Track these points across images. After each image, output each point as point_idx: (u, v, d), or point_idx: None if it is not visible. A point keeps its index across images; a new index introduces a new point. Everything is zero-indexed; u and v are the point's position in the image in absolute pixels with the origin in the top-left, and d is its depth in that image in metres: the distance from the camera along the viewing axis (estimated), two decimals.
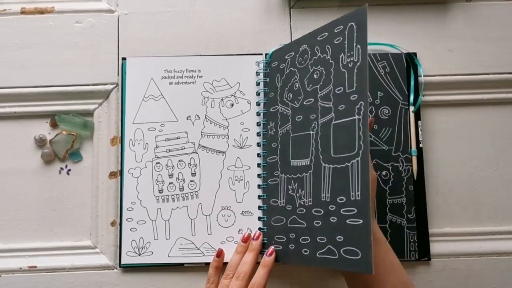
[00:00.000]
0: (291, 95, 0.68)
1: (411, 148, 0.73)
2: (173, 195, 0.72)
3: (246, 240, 0.69)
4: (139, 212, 0.72)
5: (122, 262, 0.71)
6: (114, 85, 0.76)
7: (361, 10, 0.59)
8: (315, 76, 0.65)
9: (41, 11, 0.77)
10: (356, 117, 0.58)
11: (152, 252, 0.71)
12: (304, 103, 0.66)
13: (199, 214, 0.72)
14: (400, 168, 0.73)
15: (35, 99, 0.75)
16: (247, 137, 0.74)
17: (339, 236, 0.58)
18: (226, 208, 0.72)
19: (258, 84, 0.75)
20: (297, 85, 0.68)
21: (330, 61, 0.63)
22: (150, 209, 0.72)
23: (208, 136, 0.74)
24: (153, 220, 0.72)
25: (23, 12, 0.77)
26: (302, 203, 0.64)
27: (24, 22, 0.77)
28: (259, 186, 0.72)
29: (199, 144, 0.73)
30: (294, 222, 0.65)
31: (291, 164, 0.67)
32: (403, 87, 0.74)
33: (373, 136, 0.73)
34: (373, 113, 0.74)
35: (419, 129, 0.74)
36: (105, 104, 0.76)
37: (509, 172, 0.76)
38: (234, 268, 0.66)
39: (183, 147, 0.73)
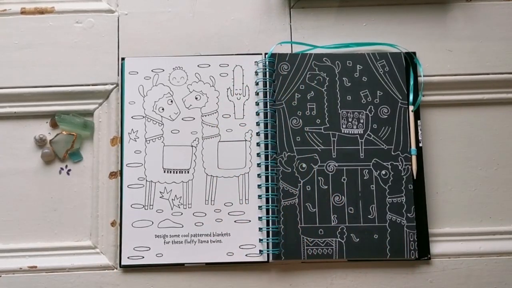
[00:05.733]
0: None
1: (410, 147, 0.73)
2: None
3: None
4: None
5: (123, 263, 0.71)
6: (114, 85, 0.76)
7: None
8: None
9: (41, 11, 0.77)
10: None
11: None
12: None
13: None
14: (400, 167, 0.73)
15: (35, 99, 0.75)
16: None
17: None
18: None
19: (257, 83, 0.75)
20: None
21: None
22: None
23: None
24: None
25: (23, 12, 0.77)
26: None
27: (24, 22, 0.77)
28: (259, 186, 0.73)
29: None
30: None
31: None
32: (402, 86, 0.75)
33: (372, 135, 0.73)
34: (373, 112, 0.74)
35: (419, 128, 0.74)
36: (105, 104, 0.76)
37: (509, 172, 0.76)
38: None
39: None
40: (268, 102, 0.74)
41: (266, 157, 0.73)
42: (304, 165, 0.73)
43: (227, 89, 0.75)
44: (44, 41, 0.76)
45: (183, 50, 0.77)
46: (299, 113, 0.74)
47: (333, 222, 0.72)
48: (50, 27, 0.77)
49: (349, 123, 0.74)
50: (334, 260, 0.71)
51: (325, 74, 0.75)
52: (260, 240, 0.71)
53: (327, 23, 0.78)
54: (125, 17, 0.78)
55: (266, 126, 0.74)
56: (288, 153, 0.73)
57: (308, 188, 0.72)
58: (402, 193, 0.72)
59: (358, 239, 0.71)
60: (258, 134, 0.74)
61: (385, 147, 0.73)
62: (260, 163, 0.73)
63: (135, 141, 0.74)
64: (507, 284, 0.72)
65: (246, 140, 0.74)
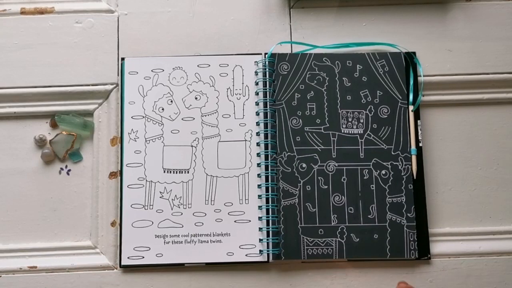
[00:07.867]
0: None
1: (410, 147, 0.73)
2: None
3: None
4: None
5: (123, 263, 0.71)
6: (114, 85, 0.76)
7: None
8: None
9: (41, 11, 0.77)
10: None
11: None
12: None
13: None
14: (400, 167, 0.73)
15: (35, 99, 0.75)
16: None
17: None
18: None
19: (257, 83, 0.75)
20: None
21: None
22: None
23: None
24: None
25: (23, 12, 0.77)
26: None
27: (24, 22, 0.77)
28: (259, 186, 0.73)
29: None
30: None
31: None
32: (402, 86, 0.75)
33: (372, 135, 0.73)
34: (373, 112, 0.74)
35: (419, 128, 0.74)
36: (105, 104, 0.76)
37: (509, 172, 0.76)
38: None
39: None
40: (268, 102, 0.74)
41: (266, 157, 0.73)
42: (304, 165, 0.73)
43: (227, 89, 0.75)
44: (44, 41, 0.76)
45: (183, 50, 0.77)
46: (299, 113, 0.74)
47: (333, 222, 0.72)
48: (50, 27, 0.77)
49: (349, 123, 0.74)
50: (334, 260, 0.71)
51: (325, 74, 0.75)
52: (260, 240, 0.71)
53: (327, 23, 0.78)
54: (125, 17, 0.78)
55: (266, 126, 0.74)
56: (288, 153, 0.73)
57: (308, 188, 0.72)
58: (402, 193, 0.72)
59: (358, 239, 0.71)
60: (258, 134, 0.74)
61: (385, 147, 0.73)
62: (260, 163, 0.73)
63: (135, 141, 0.74)
64: (507, 284, 0.72)
65: (246, 140, 0.74)
